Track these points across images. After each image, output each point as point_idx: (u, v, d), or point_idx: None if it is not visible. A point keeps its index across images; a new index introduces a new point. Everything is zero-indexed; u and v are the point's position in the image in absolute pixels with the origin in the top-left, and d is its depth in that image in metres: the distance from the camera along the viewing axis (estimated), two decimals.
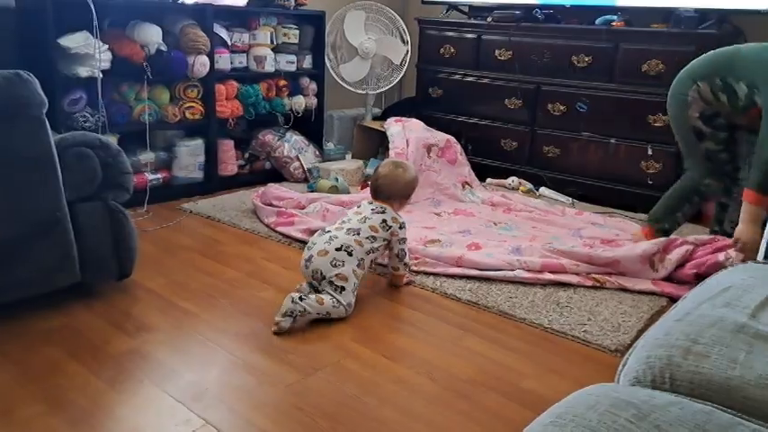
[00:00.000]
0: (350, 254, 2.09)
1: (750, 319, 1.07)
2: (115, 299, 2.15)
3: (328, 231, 2.17)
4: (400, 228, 2.23)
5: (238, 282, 2.33)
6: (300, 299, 1.98)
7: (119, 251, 2.14)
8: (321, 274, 2.07)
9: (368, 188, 3.29)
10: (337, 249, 2.08)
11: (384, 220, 2.20)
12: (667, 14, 3.25)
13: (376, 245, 2.17)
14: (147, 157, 3.14)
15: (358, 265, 2.10)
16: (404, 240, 2.25)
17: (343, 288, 2.05)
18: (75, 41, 2.73)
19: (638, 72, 3.20)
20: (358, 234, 2.14)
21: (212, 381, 1.71)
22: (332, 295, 2.04)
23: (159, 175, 3.22)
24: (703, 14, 3.13)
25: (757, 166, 2.21)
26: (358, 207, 2.29)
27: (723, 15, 3.15)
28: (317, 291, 2.09)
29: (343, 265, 2.07)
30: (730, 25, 3.23)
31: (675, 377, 0.97)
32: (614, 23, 3.32)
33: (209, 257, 2.55)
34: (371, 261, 2.20)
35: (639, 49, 3.20)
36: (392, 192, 2.28)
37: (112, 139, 2.88)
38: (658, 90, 3.15)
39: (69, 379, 1.68)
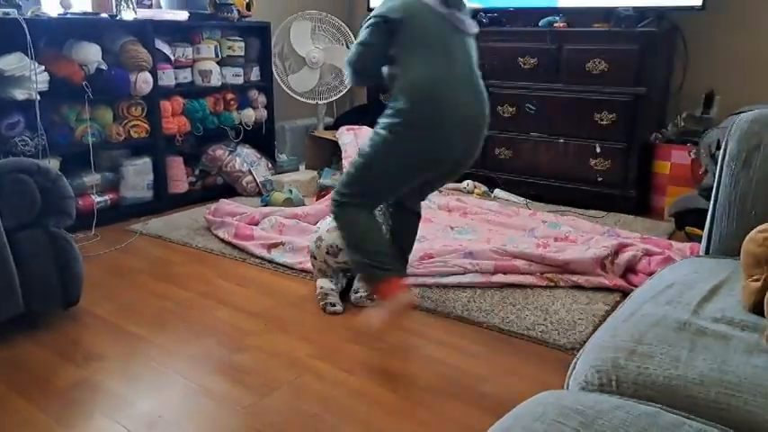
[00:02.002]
0: None
1: (692, 315, 1.09)
2: (62, 328, 2.07)
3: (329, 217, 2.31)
4: None
5: (192, 303, 2.28)
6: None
7: (64, 278, 2.07)
8: (337, 247, 2.21)
9: (322, 199, 3.29)
10: None
11: None
12: (607, 14, 3.33)
13: None
14: (92, 178, 3.05)
15: None
16: None
17: None
18: (8, 63, 2.63)
19: (583, 71, 3.26)
20: None
21: (167, 408, 1.66)
22: None
23: (106, 197, 3.13)
24: (642, 13, 3.20)
25: None
26: None
27: (661, 13, 3.23)
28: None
29: None
30: (668, 22, 3.33)
31: (621, 379, 0.97)
32: (557, 25, 3.38)
33: (160, 279, 2.48)
34: None
35: (582, 48, 3.26)
36: None
37: (54, 163, 2.80)
38: (603, 89, 3.22)
39: (13, 416, 1.61)
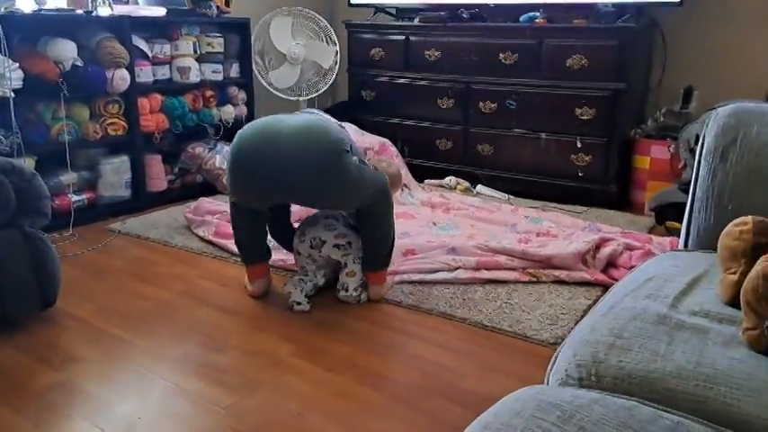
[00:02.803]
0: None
1: (671, 309, 1.09)
2: (39, 330, 2.04)
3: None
4: None
5: (172, 303, 2.25)
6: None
7: (40, 279, 2.03)
8: (320, 239, 2.23)
9: None
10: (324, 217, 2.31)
11: None
12: (587, 10, 3.34)
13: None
14: (68, 177, 3.00)
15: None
16: None
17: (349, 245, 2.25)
18: None
19: (563, 67, 3.27)
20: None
21: (146, 410, 1.64)
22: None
23: (84, 196, 3.08)
24: (621, 8, 3.22)
25: None
26: None
27: (640, 8, 3.25)
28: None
29: (335, 228, 2.26)
30: (647, 18, 3.35)
31: (600, 374, 0.97)
32: (537, 20, 3.38)
33: (140, 279, 2.45)
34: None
35: (563, 44, 3.27)
36: None
37: (30, 162, 2.75)
38: (583, 84, 3.23)
39: None
